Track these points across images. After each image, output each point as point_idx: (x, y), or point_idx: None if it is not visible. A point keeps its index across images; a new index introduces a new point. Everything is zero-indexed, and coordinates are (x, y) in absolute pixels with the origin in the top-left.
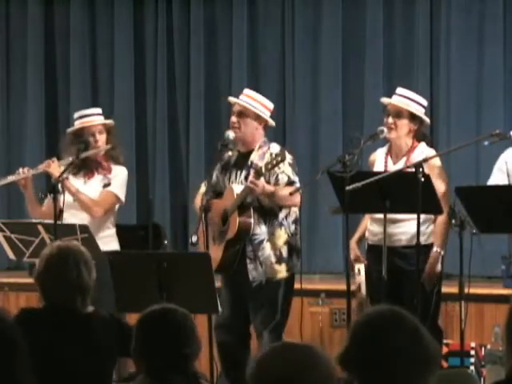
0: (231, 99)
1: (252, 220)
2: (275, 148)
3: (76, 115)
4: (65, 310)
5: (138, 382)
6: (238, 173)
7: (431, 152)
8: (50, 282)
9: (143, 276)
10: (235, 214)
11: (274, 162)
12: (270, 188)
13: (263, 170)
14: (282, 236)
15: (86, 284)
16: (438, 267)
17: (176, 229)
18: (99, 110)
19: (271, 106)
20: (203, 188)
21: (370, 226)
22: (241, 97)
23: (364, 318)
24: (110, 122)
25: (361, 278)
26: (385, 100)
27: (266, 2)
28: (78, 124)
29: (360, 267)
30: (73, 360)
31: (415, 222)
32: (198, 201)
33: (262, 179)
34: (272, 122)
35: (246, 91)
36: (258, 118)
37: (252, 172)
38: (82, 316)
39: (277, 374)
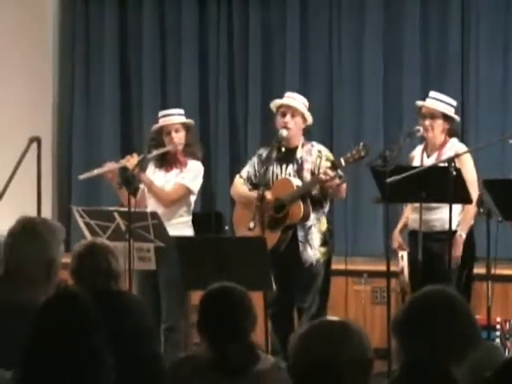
0: (280, 101)
1: (311, 208)
2: (318, 146)
3: (159, 114)
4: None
5: (201, 351)
6: (284, 166)
7: (462, 147)
8: (84, 275)
9: (206, 258)
10: (298, 202)
11: (356, 156)
12: (337, 180)
13: (343, 163)
14: (324, 223)
15: (117, 271)
16: (459, 250)
17: None
18: (181, 111)
19: (307, 104)
20: (240, 179)
21: (411, 214)
22: (287, 100)
23: (421, 294)
24: (188, 121)
25: (404, 263)
26: (419, 103)
27: (316, 15)
28: (160, 122)
29: (403, 254)
30: None
31: (448, 209)
32: (239, 190)
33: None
34: (311, 121)
35: (290, 94)
36: (303, 116)
37: (325, 164)
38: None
39: (315, 350)
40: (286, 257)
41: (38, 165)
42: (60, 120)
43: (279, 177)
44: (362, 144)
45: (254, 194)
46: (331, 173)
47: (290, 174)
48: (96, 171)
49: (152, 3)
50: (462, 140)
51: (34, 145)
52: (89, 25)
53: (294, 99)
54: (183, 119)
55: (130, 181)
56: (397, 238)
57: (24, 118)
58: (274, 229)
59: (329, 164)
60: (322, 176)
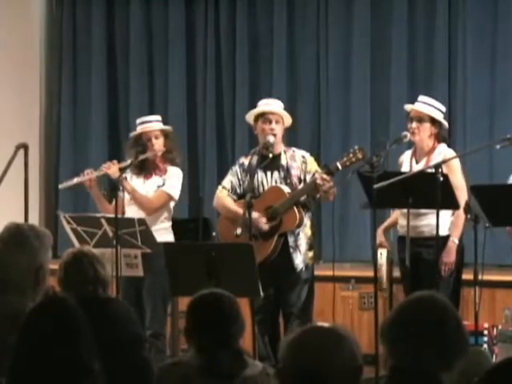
0: (261, 109)
1: (303, 214)
2: (299, 151)
3: (137, 121)
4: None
5: (189, 356)
6: (269, 174)
7: (450, 152)
8: (71, 284)
9: (194, 264)
10: (293, 209)
11: (354, 158)
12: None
13: (339, 167)
14: (310, 227)
15: (104, 278)
16: (453, 256)
17: None
18: (158, 117)
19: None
20: (224, 191)
21: (400, 219)
22: (270, 107)
23: (410, 300)
24: (167, 127)
25: (382, 262)
26: (408, 107)
27: (303, 22)
28: (138, 129)
29: (382, 251)
30: None
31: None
32: (225, 203)
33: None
34: (289, 124)
35: (267, 101)
36: (283, 122)
37: (319, 170)
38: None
39: (306, 357)
40: (279, 264)
41: (26, 171)
42: (47, 127)
43: (265, 184)
44: (356, 147)
45: (240, 208)
46: (327, 177)
47: (276, 181)
48: (76, 179)
49: (139, 9)
50: (449, 147)
51: (21, 152)
52: (76, 32)
53: (277, 105)
54: (161, 125)
55: (117, 188)
56: (380, 236)
57: (11, 125)
58: (268, 238)
59: (319, 169)
60: (320, 181)
